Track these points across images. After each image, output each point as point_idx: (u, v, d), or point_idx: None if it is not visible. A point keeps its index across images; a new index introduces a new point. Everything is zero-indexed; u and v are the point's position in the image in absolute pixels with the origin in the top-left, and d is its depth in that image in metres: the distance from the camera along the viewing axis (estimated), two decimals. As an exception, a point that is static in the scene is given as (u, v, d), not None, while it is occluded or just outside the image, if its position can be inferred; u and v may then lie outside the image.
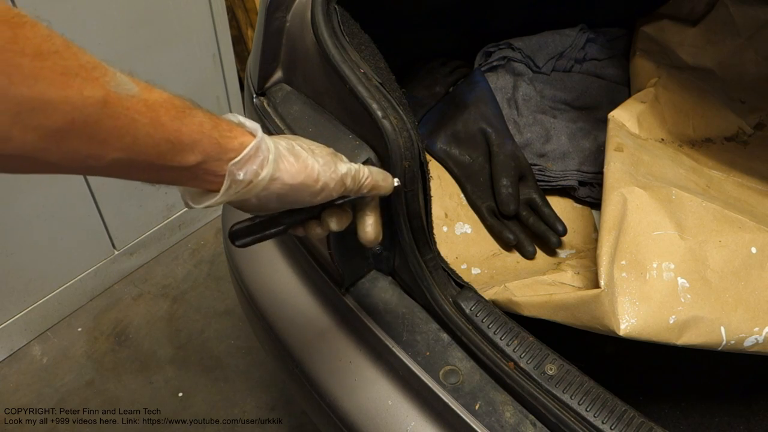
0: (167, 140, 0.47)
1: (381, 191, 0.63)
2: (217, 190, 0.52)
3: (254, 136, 0.53)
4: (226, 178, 0.51)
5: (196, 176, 0.51)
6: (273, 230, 0.60)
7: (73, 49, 0.42)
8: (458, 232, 1.01)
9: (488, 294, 0.81)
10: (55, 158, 0.42)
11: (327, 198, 0.58)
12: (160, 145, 0.47)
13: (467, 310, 0.72)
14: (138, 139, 0.46)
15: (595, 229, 1.01)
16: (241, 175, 0.52)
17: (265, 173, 0.53)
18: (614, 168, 0.83)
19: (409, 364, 0.72)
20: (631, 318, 0.71)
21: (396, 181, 0.65)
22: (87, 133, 0.43)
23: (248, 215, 0.60)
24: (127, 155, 0.46)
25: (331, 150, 0.60)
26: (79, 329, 1.68)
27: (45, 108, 0.39)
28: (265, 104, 0.81)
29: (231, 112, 0.57)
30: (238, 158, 0.51)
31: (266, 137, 0.54)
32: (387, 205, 0.71)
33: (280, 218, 0.60)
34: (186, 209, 1.90)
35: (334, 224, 0.61)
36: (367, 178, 0.60)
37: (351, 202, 0.62)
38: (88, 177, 1.50)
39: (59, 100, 0.40)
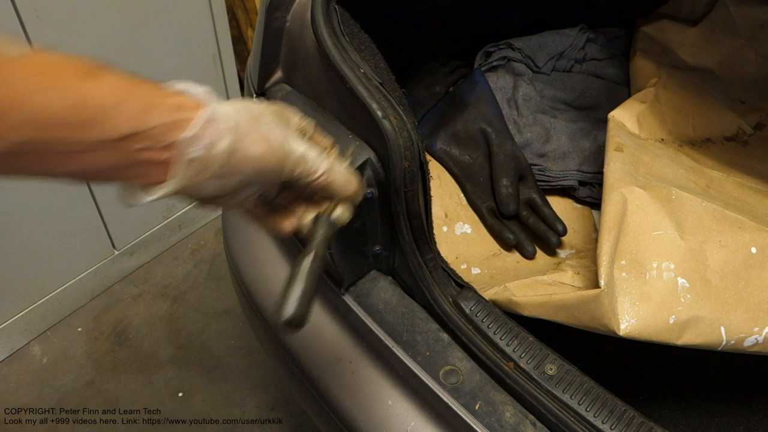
0: (73, 106, 0.38)
1: (336, 193, 0.53)
2: (163, 180, 0.42)
3: (200, 104, 0.43)
4: (177, 156, 0.42)
5: (135, 161, 0.41)
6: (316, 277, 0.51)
7: None
8: (458, 232, 1.01)
9: (488, 294, 0.81)
10: None
11: (288, 176, 0.49)
12: (67, 114, 0.38)
13: (467, 310, 0.72)
14: (36, 109, 0.37)
15: (595, 229, 1.01)
16: (192, 152, 0.42)
17: (222, 146, 0.43)
18: (614, 168, 0.83)
19: (409, 364, 0.72)
20: (631, 318, 0.71)
21: (366, 191, 0.55)
22: None
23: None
24: (31, 134, 0.37)
25: (290, 120, 0.50)
26: (79, 329, 1.68)
27: None
28: (265, 104, 0.81)
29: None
30: (189, 132, 0.41)
31: (221, 103, 0.44)
32: (387, 205, 0.71)
33: (315, 263, 0.50)
34: (186, 209, 1.90)
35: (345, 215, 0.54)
36: (318, 174, 0.50)
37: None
38: (88, 177, 1.50)
39: None
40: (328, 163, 0.50)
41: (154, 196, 0.43)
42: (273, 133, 0.46)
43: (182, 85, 0.44)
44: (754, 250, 0.76)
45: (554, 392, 0.65)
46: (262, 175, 0.47)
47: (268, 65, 0.83)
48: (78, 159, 0.39)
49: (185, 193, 0.44)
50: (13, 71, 0.37)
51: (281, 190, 0.54)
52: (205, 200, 0.47)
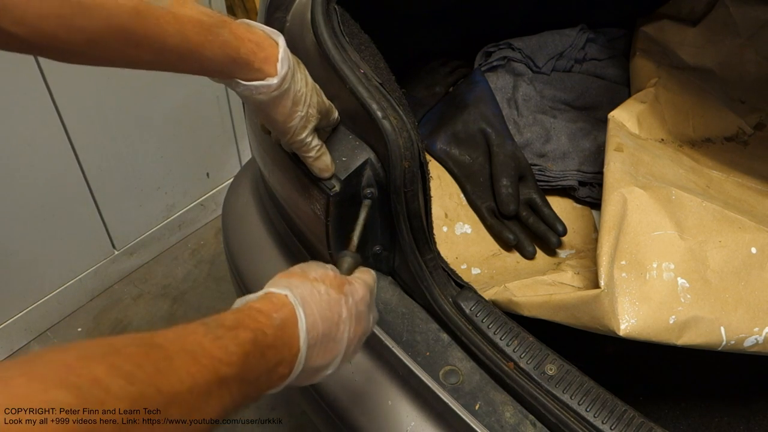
0: (190, 52, 0.54)
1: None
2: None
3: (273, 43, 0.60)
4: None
5: (224, 75, 0.58)
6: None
7: None
8: (458, 232, 1.01)
9: (488, 294, 0.81)
10: (99, 54, 0.51)
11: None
12: (185, 56, 0.54)
13: (467, 310, 0.72)
14: (166, 47, 0.53)
15: (595, 229, 1.01)
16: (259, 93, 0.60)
17: (281, 89, 0.60)
18: (614, 168, 0.83)
19: (409, 364, 0.72)
20: (631, 318, 0.71)
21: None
22: (123, 36, 0.50)
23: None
24: (158, 58, 0.54)
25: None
26: (79, 329, 1.68)
27: (84, 13, 0.48)
28: (265, 104, 0.81)
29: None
30: (259, 83, 0.58)
31: (291, 72, 0.60)
32: (387, 205, 0.71)
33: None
34: (186, 209, 1.90)
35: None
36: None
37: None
38: (88, 177, 1.50)
39: (96, 5, 0.48)
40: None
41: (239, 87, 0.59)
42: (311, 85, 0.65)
43: (274, 42, 0.60)
44: (754, 250, 0.76)
45: (554, 392, 0.65)
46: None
47: (268, 65, 0.83)
48: (191, 71, 0.57)
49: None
50: (160, 17, 0.52)
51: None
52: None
